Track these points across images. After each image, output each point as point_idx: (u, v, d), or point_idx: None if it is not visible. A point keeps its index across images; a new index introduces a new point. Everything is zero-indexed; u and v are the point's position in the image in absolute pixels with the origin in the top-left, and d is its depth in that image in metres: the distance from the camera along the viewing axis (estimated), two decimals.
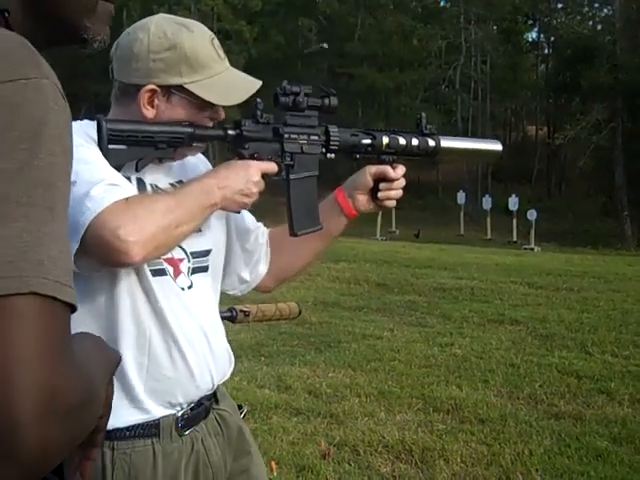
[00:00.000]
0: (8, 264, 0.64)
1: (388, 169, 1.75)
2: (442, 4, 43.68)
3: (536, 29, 45.79)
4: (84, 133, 1.45)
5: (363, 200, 1.78)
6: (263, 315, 2.55)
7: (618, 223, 30.47)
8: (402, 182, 1.78)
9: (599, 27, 39.64)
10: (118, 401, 1.44)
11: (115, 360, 0.94)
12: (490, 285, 9.44)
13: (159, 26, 1.51)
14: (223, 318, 2.43)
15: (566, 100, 41.37)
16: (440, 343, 6.52)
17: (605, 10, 39.66)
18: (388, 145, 1.74)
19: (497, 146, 1.93)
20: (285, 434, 4.30)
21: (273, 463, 3.85)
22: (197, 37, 1.52)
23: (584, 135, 32.53)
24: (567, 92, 40.14)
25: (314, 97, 1.62)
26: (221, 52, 1.57)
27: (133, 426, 1.49)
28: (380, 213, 27.31)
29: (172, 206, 1.39)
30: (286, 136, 1.60)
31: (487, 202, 27.19)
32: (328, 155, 1.68)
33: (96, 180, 1.33)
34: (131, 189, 1.42)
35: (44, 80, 0.71)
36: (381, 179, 1.76)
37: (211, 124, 1.57)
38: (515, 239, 23.98)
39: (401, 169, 1.77)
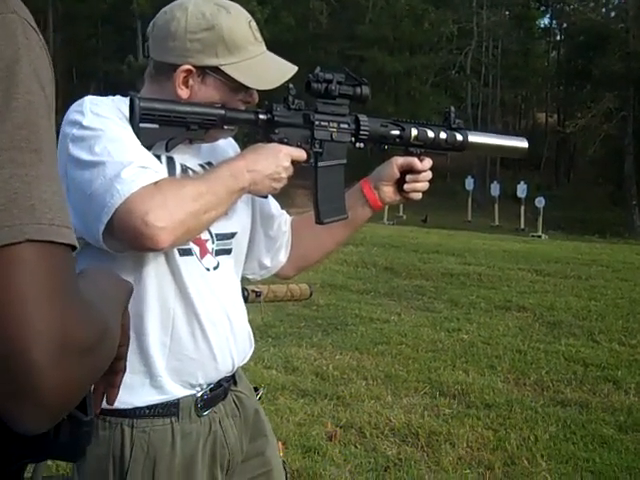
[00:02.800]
0: (0, 213, 0.63)
1: (415, 160, 1.75)
2: None
3: (548, 15, 45.52)
4: (117, 109, 1.44)
5: (389, 192, 1.78)
6: (274, 296, 2.56)
7: (626, 212, 30.40)
8: (429, 174, 1.77)
9: (612, 14, 39.35)
10: (139, 380, 1.45)
11: (127, 289, 0.94)
12: (498, 272, 9.42)
13: (197, 6, 1.50)
14: None
15: (577, 88, 41.19)
16: (447, 328, 6.52)
17: None
18: (417, 137, 1.73)
19: (523, 143, 1.92)
20: (292, 415, 4.31)
21: (280, 443, 3.86)
22: (235, 19, 1.51)
23: (595, 123, 32.39)
24: (578, 79, 39.99)
25: (346, 85, 1.61)
26: (258, 35, 1.55)
27: (153, 405, 1.49)
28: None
29: (202, 191, 1.38)
30: (317, 123, 1.59)
31: (495, 188, 27.16)
32: (357, 144, 1.67)
33: (127, 162, 1.32)
34: (162, 171, 1.41)
35: (11, 15, 0.68)
36: (407, 171, 1.76)
37: (244, 107, 1.56)
38: (523, 226, 23.97)
39: (428, 161, 1.77)
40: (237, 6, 1.56)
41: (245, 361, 1.68)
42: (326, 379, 5.01)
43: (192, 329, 1.51)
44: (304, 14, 43.86)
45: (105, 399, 0.93)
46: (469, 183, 27.99)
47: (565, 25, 43.23)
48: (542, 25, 46.75)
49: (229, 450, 1.59)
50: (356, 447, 3.95)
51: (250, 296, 2.44)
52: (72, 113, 1.42)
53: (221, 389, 1.60)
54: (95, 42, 41.01)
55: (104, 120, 1.39)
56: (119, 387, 0.93)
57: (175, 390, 1.51)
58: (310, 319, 6.79)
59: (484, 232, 17.85)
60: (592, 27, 36.00)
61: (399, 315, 7.07)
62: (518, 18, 42.05)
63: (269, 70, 1.54)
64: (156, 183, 1.33)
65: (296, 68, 1.57)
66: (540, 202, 23.58)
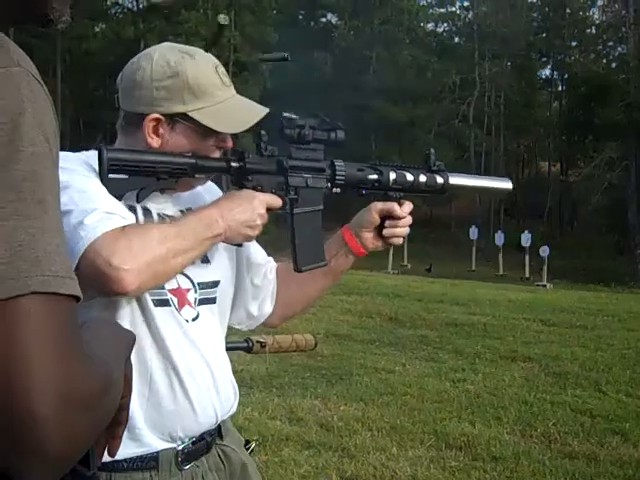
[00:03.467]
0: (5, 266, 0.64)
1: (395, 206, 1.71)
2: (457, 40, 44.07)
3: (550, 66, 46.06)
4: (84, 162, 1.44)
5: (370, 238, 1.74)
6: (279, 346, 2.54)
7: (630, 261, 30.34)
8: (409, 219, 1.74)
9: (613, 65, 39.82)
10: None
11: (130, 340, 0.94)
12: (503, 321, 9.39)
13: (162, 54, 1.50)
14: (239, 349, 2.43)
15: (579, 137, 41.48)
16: (452, 379, 6.47)
17: (619, 49, 39.90)
18: (395, 181, 1.71)
19: (507, 184, 1.89)
20: (296, 467, 4.26)
21: None
22: (200, 64, 1.50)
23: (597, 173, 32.57)
24: (580, 129, 40.28)
25: (320, 130, 1.59)
26: (226, 79, 1.54)
27: (132, 458, 1.45)
28: (392, 247, 27.43)
29: (170, 235, 1.36)
30: (291, 169, 1.57)
31: (499, 238, 27.23)
32: (334, 190, 1.64)
33: (90, 209, 1.31)
34: (129, 217, 1.39)
35: (15, 68, 0.69)
36: (388, 216, 1.72)
37: (218, 153, 1.53)
38: (527, 275, 23.96)
39: (408, 206, 1.73)
40: (202, 52, 1.55)
41: (230, 413, 1.64)
42: (331, 430, 4.95)
43: (170, 381, 1.48)
44: (308, 65, 44.44)
45: (107, 451, 0.92)
46: (473, 232, 28.05)
47: (566, 76, 43.72)
48: (544, 76, 47.34)
49: None
50: None
51: (255, 347, 2.43)
52: None
53: (204, 442, 1.56)
54: (102, 93, 41.51)
55: (71, 172, 1.38)
56: (121, 438, 0.93)
57: (155, 443, 1.47)
58: (314, 369, 6.74)
59: (489, 282, 17.81)
60: (593, 78, 36.40)
61: (404, 365, 7.01)
62: (520, 69, 42.58)
63: (238, 113, 1.52)
64: (122, 228, 1.31)
65: (266, 110, 1.54)
66: (544, 251, 23.59)
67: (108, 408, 0.75)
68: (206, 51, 1.58)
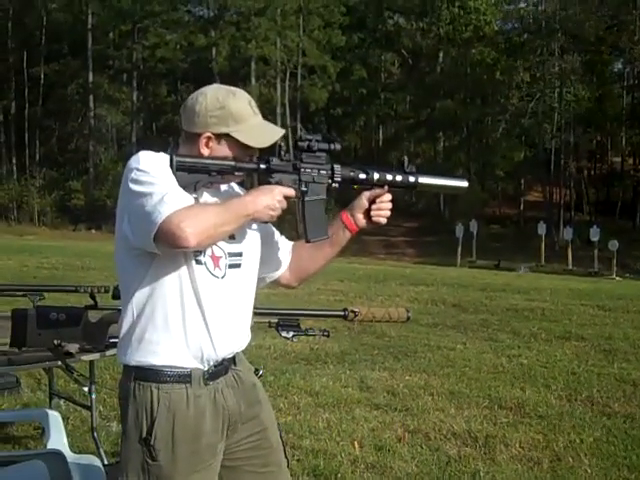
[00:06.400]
0: None
1: (379, 192, 2.31)
2: (525, 36, 43.84)
3: (622, 60, 45.49)
4: (161, 160, 2.09)
5: (360, 218, 2.36)
6: (373, 316, 2.99)
7: None
8: (389, 205, 2.34)
9: None
10: (166, 342, 2.12)
11: None
12: (561, 307, 9.91)
13: (213, 93, 2.16)
14: (336, 316, 3.05)
15: None
16: (508, 355, 7.11)
17: None
18: (379, 179, 2.32)
19: (463, 183, 2.44)
20: (366, 422, 4.95)
21: (356, 442, 4.52)
22: (239, 100, 2.17)
23: None
24: None
25: (323, 142, 2.23)
26: (256, 109, 2.21)
27: (173, 373, 2.06)
28: (460, 243, 27.95)
29: (220, 212, 2.02)
30: (302, 170, 2.22)
31: (568, 233, 27.37)
32: (333, 185, 2.27)
33: (167, 192, 1.97)
34: (191, 200, 2.04)
35: None
36: (374, 202, 2.33)
37: (248, 159, 2.18)
38: (596, 269, 24.10)
39: (388, 195, 2.32)
40: (240, 90, 2.23)
41: (243, 348, 2.26)
42: (397, 395, 5.63)
43: (197, 319, 2.08)
44: (376, 66, 44.95)
45: None
46: (541, 228, 28.26)
47: (638, 70, 43.18)
48: (615, 69, 46.75)
49: (228, 410, 2.18)
50: (422, 447, 4.55)
51: (349, 315, 2.95)
52: (132, 162, 2.08)
53: (222, 366, 2.14)
54: (175, 99, 42.82)
55: (153, 166, 2.05)
56: None
57: (187, 363, 2.08)
58: (382, 348, 7.44)
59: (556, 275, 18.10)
60: None
61: (464, 344, 7.69)
62: (590, 63, 42.22)
63: (264, 134, 2.18)
64: (188, 206, 1.97)
65: (283, 131, 2.21)
66: (613, 245, 23.72)
67: None
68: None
